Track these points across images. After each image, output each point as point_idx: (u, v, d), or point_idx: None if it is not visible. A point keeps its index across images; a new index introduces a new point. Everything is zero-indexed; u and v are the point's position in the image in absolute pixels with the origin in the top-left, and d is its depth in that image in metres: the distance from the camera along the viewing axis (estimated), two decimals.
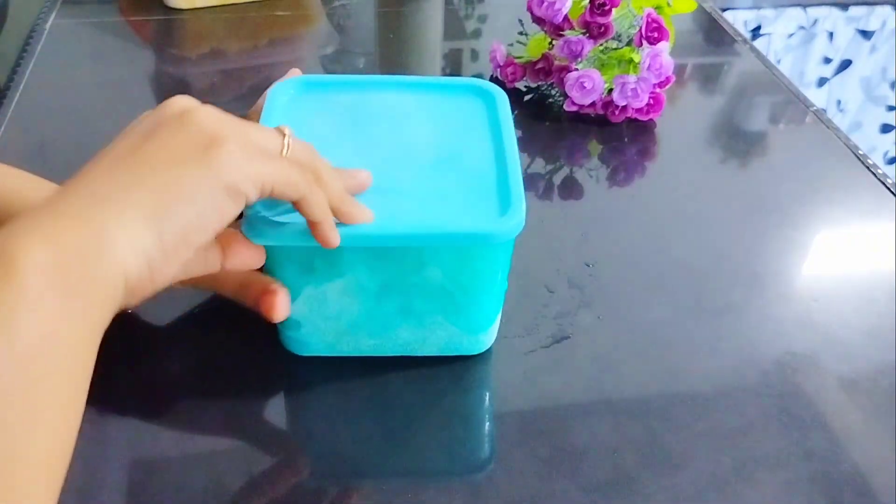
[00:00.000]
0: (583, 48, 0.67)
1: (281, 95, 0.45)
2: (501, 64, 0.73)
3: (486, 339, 0.46)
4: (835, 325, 0.50)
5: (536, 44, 0.73)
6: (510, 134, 0.44)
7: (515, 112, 0.47)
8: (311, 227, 0.36)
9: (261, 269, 0.42)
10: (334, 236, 0.36)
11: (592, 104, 0.69)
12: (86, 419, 0.43)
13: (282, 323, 0.44)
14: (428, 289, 0.42)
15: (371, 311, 0.43)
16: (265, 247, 0.39)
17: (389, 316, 0.43)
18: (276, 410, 0.45)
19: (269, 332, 0.47)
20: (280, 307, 0.40)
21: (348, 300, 0.42)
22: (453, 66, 0.82)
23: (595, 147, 0.69)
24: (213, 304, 0.50)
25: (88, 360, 0.28)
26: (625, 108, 0.69)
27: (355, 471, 0.41)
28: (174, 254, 0.31)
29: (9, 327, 0.25)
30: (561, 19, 0.68)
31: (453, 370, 0.46)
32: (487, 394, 0.46)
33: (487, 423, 0.45)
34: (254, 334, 0.47)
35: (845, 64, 1.35)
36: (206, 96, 0.62)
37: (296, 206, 0.35)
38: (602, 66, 0.70)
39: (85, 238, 0.27)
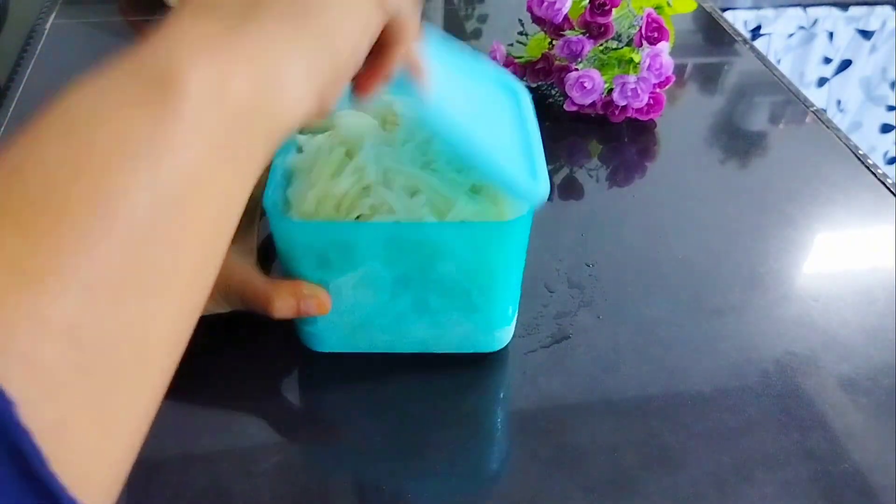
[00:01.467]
0: (583, 48, 0.67)
1: None
2: (501, 64, 0.73)
3: (503, 336, 0.47)
4: (835, 325, 0.50)
5: (536, 44, 0.73)
6: (534, 121, 0.45)
7: None
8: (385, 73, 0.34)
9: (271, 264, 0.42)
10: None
11: (592, 104, 0.69)
12: None
13: (304, 322, 0.45)
14: (443, 285, 0.42)
15: (385, 305, 0.43)
16: (279, 239, 0.40)
17: (404, 312, 0.43)
18: (278, 409, 0.45)
19: (284, 327, 0.47)
20: (325, 301, 0.42)
21: (363, 294, 0.42)
22: None
23: (595, 147, 0.69)
24: None
25: (237, 206, 0.25)
26: (625, 108, 0.69)
27: (355, 471, 0.41)
28: (343, 74, 0.29)
29: (159, 157, 0.21)
30: (561, 19, 0.68)
31: (454, 371, 0.46)
32: (488, 394, 0.46)
33: (487, 424, 0.45)
34: (267, 329, 0.47)
35: (845, 64, 1.35)
36: None
37: (394, 49, 0.33)
38: (602, 66, 0.70)
39: (255, 73, 0.24)
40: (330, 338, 0.45)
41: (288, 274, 0.42)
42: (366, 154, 0.43)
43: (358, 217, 0.41)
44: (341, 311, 0.43)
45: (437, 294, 0.43)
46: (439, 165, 0.43)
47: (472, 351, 0.46)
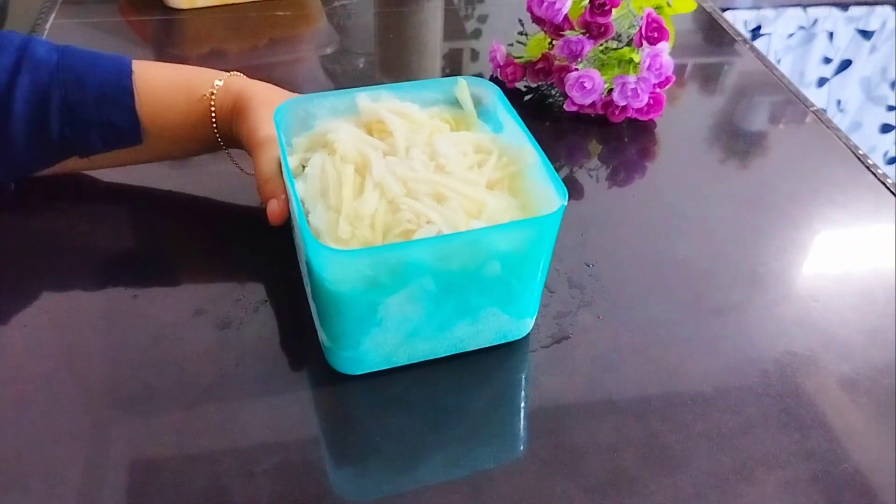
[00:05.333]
0: (583, 48, 0.67)
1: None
2: (501, 64, 0.73)
3: (531, 321, 0.48)
4: (835, 325, 0.50)
5: (536, 44, 0.73)
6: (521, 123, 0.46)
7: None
8: None
9: (321, 290, 0.40)
10: None
11: (592, 104, 0.69)
12: (86, 419, 0.43)
13: (336, 343, 0.43)
14: (486, 283, 0.42)
15: (431, 314, 0.43)
16: (327, 270, 0.39)
17: (447, 316, 0.43)
18: (278, 409, 0.45)
19: (287, 327, 0.47)
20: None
21: (412, 307, 0.41)
22: (453, 66, 0.82)
23: (595, 147, 0.69)
24: (236, 296, 0.50)
25: None
26: (625, 108, 0.69)
27: (354, 471, 0.41)
28: None
29: None
30: (561, 19, 0.68)
31: (453, 371, 0.46)
32: (488, 395, 0.46)
33: (488, 424, 0.45)
34: (267, 328, 0.47)
35: (845, 64, 1.35)
36: None
37: None
38: (602, 66, 0.70)
39: None
40: (372, 359, 0.44)
41: (333, 302, 0.40)
42: (378, 168, 0.42)
43: (398, 234, 0.40)
44: (388, 329, 0.42)
45: (480, 293, 0.43)
46: (451, 166, 0.43)
47: (503, 341, 0.47)
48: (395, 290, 0.40)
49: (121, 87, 0.51)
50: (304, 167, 0.45)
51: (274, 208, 0.47)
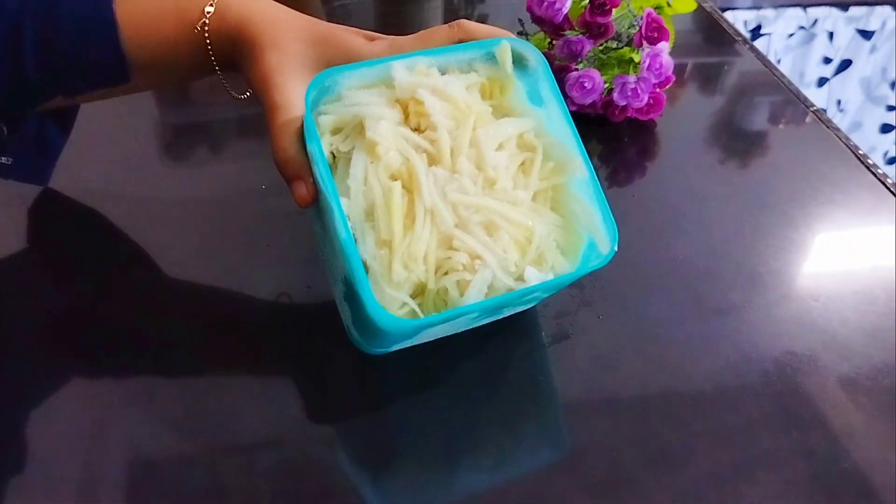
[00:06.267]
0: (583, 48, 0.67)
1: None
2: None
3: None
4: (835, 325, 0.51)
5: (536, 44, 0.73)
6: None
7: None
8: None
9: (368, 323, 0.39)
10: None
11: (592, 104, 0.69)
12: (86, 418, 0.43)
13: (370, 344, 0.44)
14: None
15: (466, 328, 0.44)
16: (385, 328, 0.39)
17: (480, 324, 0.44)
18: (278, 408, 0.45)
19: (286, 327, 0.47)
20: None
21: (450, 326, 0.42)
22: None
23: (595, 147, 0.69)
24: (237, 294, 0.50)
25: None
26: (625, 108, 0.69)
27: (354, 472, 0.41)
28: None
29: None
30: (561, 19, 0.68)
31: (451, 370, 0.46)
32: (487, 394, 0.46)
33: (487, 423, 0.45)
34: (267, 328, 0.47)
35: (845, 64, 1.35)
36: (206, 96, 0.62)
37: None
38: (602, 66, 0.70)
39: None
40: (398, 350, 0.45)
41: (380, 331, 0.40)
42: (427, 189, 0.40)
43: (447, 273, 0.39)
44: (424, 339, 0.44)
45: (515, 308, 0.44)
46: (498, 177, 0.41)
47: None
48: (440, 323, 0.40)
49: (101, 19, 0.45)
50: (334, 156, 0.42)
51: (303, 192, 0.42)
